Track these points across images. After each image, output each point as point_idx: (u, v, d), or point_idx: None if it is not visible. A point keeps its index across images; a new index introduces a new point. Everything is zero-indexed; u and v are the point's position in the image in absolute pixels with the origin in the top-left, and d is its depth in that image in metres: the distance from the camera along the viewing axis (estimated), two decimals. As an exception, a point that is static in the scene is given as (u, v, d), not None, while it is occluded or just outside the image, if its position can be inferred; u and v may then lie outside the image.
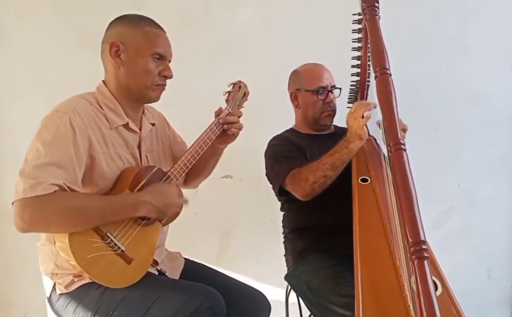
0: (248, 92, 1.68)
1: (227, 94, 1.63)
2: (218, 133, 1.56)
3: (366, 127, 1.65)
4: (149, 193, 1.36)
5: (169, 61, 1.48)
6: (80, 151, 1.29)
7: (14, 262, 2.38)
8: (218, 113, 1.59)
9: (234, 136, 1.61)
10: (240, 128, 1.61)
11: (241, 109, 1.65)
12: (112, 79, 1.43)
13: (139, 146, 1.50)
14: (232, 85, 1.64)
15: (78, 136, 1.28)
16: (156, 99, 1.48)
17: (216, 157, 1.71)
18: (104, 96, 1.43)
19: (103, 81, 1.47)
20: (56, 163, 1.23)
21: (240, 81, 1.66)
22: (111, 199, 1.33)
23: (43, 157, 1.22)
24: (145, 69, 1.40)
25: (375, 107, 1.59)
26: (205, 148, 1.53)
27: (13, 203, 1.21)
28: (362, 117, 1.59)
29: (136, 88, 1.43)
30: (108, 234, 1.30)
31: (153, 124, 1.59)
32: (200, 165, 1.61)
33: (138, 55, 1.40)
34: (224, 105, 1.61)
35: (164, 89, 1.48)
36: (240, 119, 1.62)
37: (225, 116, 1.57)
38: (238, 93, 1.64)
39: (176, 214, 1.49)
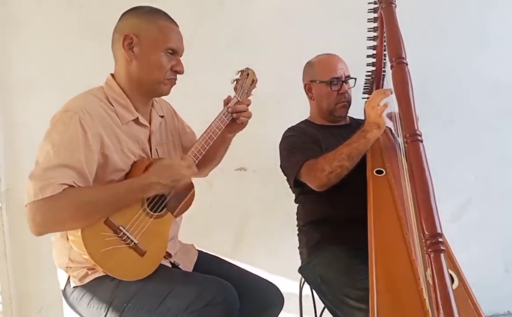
0: (256, 80, 1.66)
1: (235, 82, 1.61)
2: (228, 122, 1.55)
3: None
4: (154, 173, 1.35)
5: (181, 56, 1.47)
6: (92, 151, 1.29)
7: (31, 255, 2.40)
8: (226, 101, 1.58)
9: (243, 125, 1.60)
10: (249, 117, 1.59)
11: (250, 97, 1.63)
12: (123, 72, 1.43)
13: (149, 140, 1.50)
14: (240, 73, 1.63)
15: (89, 136, 1.28)
16: (167, 93, 1.48)
17: (225, 146, 1.70)
18: (114, 91, 1.42)
19: (111, 74, 1.46)
20: (65, 164, 1.23)
21: (248, 69, 1.64)
22: (119, 186, 1.34)
23: (53, 159, 1.23)
24: (158, 64, 1.40)
25: (391, 93, 1.57)
26: (215, 138, 1.51)
27: (26, 206, 1.21)
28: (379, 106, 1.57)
29: (148, 83, 1.42)
30: (121, 227, 1.31)
31: (162, 116, 1.59)
32: (209, 154, 1.60)
33: (152, 50, 1.39)
34: (232, 93, 1.60)
35: (175, 83, 1.48)
36: (254, 110, 1.61)
37: (234, 105, 1.56)
38: (246, 81, 1.62)
39: (189, 204, 1.49)
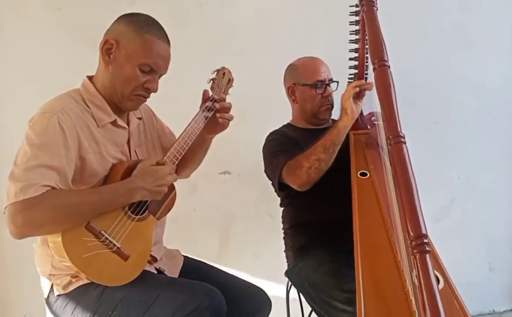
0: (232, 79, 1.65)
1: (211, 81, 1.60)
2: (206, 120, 1.53)
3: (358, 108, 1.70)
4: (139, 177, 1.33)
5: (162, 74, 1.44)
6: (71, 152, 1.27)
7: (12, 262, 2.37)
8: (205, 98, 1.56)
9: (224, 126, 1.59)
10: (230, 119, 1.58)
11: (228, 98, 1.62)
12: (100, 75, 1.41)
13: (128, 142, 1.49)
14: (216, 72, 1.62)
15: (68, 137, 1.27)
16: (132, 109, 1.46)
17: (205, 147, 1.69)
18: (90, 94, 1.40)
19: (87, 76, 1.44)
20: (45, 164, 1.21)
21: (224, 68, 1.64)
22: (103, 190, 1.32)
23: (32, 160, 1.20)
24: (128, 77, 1.37)
25: (370, 88, 1.63)
26: (194, 138, 1.50)
27: (5, 209, 1.19)
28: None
29: (116, 93, 1.39)
30: (102, 231, 1.28)
31: (140, 118, 1.57)
32: (189, 156, 1.58)
33: (127, 61, 1.36)
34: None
35: (144, 101, 1.45)
36: (237, 114, 1.60)
37: (213, 102, 1.54)
38: (222, 80, 1.61)
39: (171, 206, 1.48)
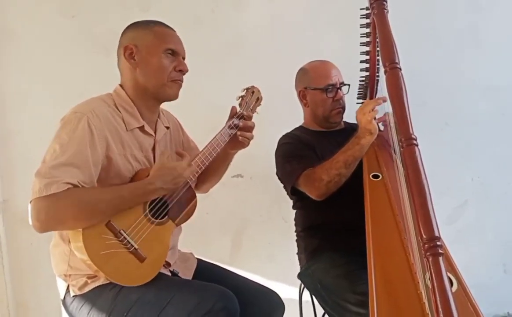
0: (261, 98, 1.70)
1: (240, 98, 1.65)
2: (230, 136, 1.57)
3: (376, 122, 1.65)
4: (157, 177, 1.37)
5: (184, 58, 1.50)
6: (97, 152, 1.31)
7: (28, 264, 2.40)
8: (232, 114, 1.61)
9: (244, 144, 1.62)
10: (250, 138, 1.62)
11: (254, 114, 1.67)
12: (129, 81, 1.46)
13: (153, 149, 1.52)
14: (245, 90, 1.67)
15: (96, 137, 1.31)
16: (174, 96, 1.50)
17: (227, 162, 1.71)
18: (121, 99, 1.45)
19: (119, 84, 1.49)
20: (71, 163, 1.25)
21: (253, 87, 1.69)
22: (123, 188, 1.35)
23: (60, 157, 1.25)
24: (159, 66, 1.43)
25: (385, 101, 1.59)
26: (219, 150, 1.53)
27: (30, 202, 1.23)
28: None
29: (153, 87, 1.45)
30: (122, 231, 1.31)
31: (167, 128, 1.61)
32: (211, 169, 1.62)
33: (151, 54, 1.43)
34: (233, 103, 1.62)
35: (181, 85, 1.50)
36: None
37: (239, 120, 1.59)
38: (251, 98, 1.66)
39: (191, 213, 1.50)
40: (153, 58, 1.43)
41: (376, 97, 1.68)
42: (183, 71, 1.48)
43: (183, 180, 1.42)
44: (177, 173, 1.39)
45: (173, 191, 1.42)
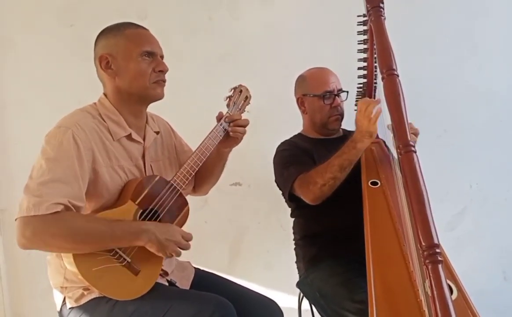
0: (250, 96, 1.67)
1: (228, 99, 1.63)
2: (221, 137, 1.56)
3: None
4: (153, 224, 1.35)
5: (162, 57, 1.47)
6: (85, 166, 1.29)
7: (25, 275, 2.39)
8: (219, 118, 1.59)
9: (237, 140, 1.61)
10: (243, 133, 1.60)
11: (244, 114, 1.64)
12: (110, 92, 1.44)
13: (143, 157, 1.50)
14: (232, 90, 1.65)
15: (82, 150, 1.29)
16: (159, 96, 1.47)
17: (222, 162, 1.70)
18: (106, 108, 1.43)
19: (104, 94, 1.47)
20: (60, 178, 1.23)
21: (241, 85, 1.66)
22: (114, 224, 1.30)
23: (47, 173, 1.23)
24: (138, 71, 1.40)
25: (378, 103, 1.59)
26: (208, 154, 1.52)
27: (16, 219, 1.21)
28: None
29: (136, 92, 1.42)
30: None
31: (157, 133, 1.58)
32: (206, 171, 1.61)
33: (127, 60, 1.40)
34: (225, 109, 1.60)
35: (164, 84, 1.47)
36: (248, 125, 1.61)
37: (230, 116, 1.57)
38: (239, 97, 1.64)
39: (183, 222, 1.49)
40: (130, 64, 1.40)
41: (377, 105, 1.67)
42: (163, 71, 1.45)
43: (174, 242, 1.36)
44: (171, 232, 1.37)
45: (162, 249, 1.35)
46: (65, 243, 1.23)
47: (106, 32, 1.45)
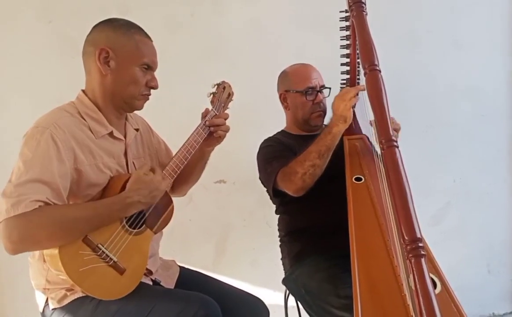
0: (232, 93, 1.65)
1: (211, 95, 1.60)
2: (205, 136, 1.54)
3: (354, 113, 1.68)
4: (134, 191, 1.32)
5: (154, 71, 1.46)
6: (65, 166, 1.26)
7: (6, 276, 2.35)
8: (204, 114, 1.57)
9: (220, 138, 1.59)
10: (226, 131, 1.59)
11: (227, 111, 1.63)
12: (96, 86, 1.40)
13: (125, 154, 1.48)
14: (216, 86, 1.62)
15: (62, 150, 1.26)
16: (140, 108, 1.47)
17: (203, 161, 1.68)
18: (85, 106, 1.40)
19: (82, 90, 1.44)
20: (37, 179, 1.20)
21: (224, 82, 1.63)
22: (99, 205, 1.31)
23: (25, 175, 1.20)
24: (133, 79, 1.39)
25: (364, 89, 1.59)
26: (193, 152, 1.50)
27: None
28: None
29: (122, 97, 1.41)
30: (99, 245, 1.28)
31: (137, 130, 1.57)
32: (188, 170, 1.59)
33: (128, 64, 1.38)
34: (210, 107, 1.59)
35: (148, 99, 1.47)
36: (231, 122, 1.60)
37: (211, 119, 1.55)
38: (222, 94, 1.61)
39: (168, 220, 1.48)
40: (129, 70, 1.38)
41: (359, 90, 1.67)
42: (153, 88, 1.45)
43: (160, 193, 1.39)
44: (154, 186, 1.36)
45: (150, 205, 1.38)
46: (54, 233, 1.20)
47: (116, 26, 1.40)
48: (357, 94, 1.65)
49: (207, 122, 1.54)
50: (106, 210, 1.29)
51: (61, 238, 1.22)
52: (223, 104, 1.61)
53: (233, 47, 2.44)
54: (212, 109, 1.57)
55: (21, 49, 2.33)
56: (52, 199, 1.22)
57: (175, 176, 1.47)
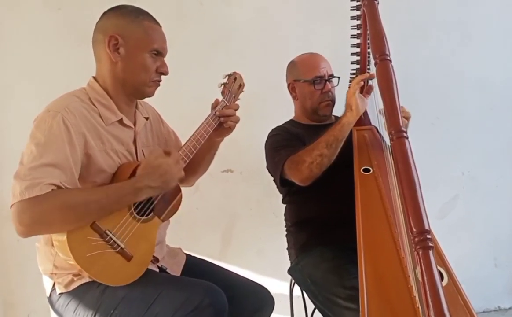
0: (243, 84, 1.65)
1: (222, 86, 1.60)
2: (215, 125, 1.54)
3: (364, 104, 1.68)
4: (145, 175, 1.32)
5: (164, 57, 1.46)
6: (76, 150, 1.27)
7: (15, 262, 2.37)
8: (215, 105, 1.56)
9: (230, 129, 1.59)
10: (236, 121, 1.58)
11: (238, 101, 1.63)
12: (107, 73, 1.40)
13: (134, 142, 1.48)
14: (227, 77, 1.62)
15: (73, 134, 1.26)
16: (151, 95, 1.47)
17: (213, 151, 1.68)
18: (96, 92, 1.40)
19: (93, 77, 1.44)
20: (51, 163, 1.21)
21: (235, 73, 1.63)
22: (110, 189, 1.31)
23: (38, 158, 1.20)
24: (143, 66, 1.39)
25: (370, 77, 1.63)
26: (203, 142, 1.50)
27: (11, 207, 1.18)
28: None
29: (133, 84, 1.41)
30: (107, 231, 1.28)
31: (147, 118, 1.57)
32: (197, 160, 1.58)
33: (138, 51, 1.38)
34: (219, 97, 1.58)
35: (159, 85, 1.47)
36: (239, 112, 1.59)
37: (222, 109, 1.54)
38: (233, 85, 1.61)
39: (176, 208, 1.48)
40: (139, 56, 1.38)
41: (367, 77, 1.67)
42: (164, 74, 1.44)
43: (173, 178, 1.37)
44: (163, 170, 1.34)
45: (162, 190, 1.37)
46: (66, 217, 1.21)
47: (124, 13, 1.40)
48: (366, 83, 1.64)
49: (217, 113, 1.53)
50: (116, 194, 1.29)
51: (72, 221, 1.22)
52: (233, 95, 1.61)
53: (241, 37, 2.43)
54: (222, 100, 1.57)
55: (28, 35, 2.33)
56: (65, 183, 1.22)
57: (185, 165, 1.46)
